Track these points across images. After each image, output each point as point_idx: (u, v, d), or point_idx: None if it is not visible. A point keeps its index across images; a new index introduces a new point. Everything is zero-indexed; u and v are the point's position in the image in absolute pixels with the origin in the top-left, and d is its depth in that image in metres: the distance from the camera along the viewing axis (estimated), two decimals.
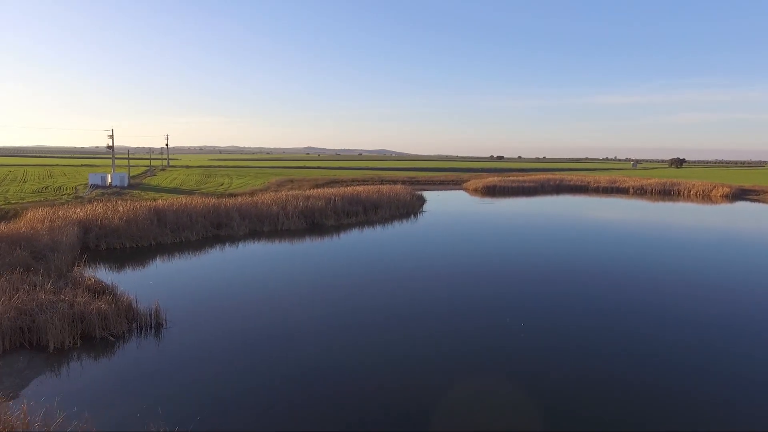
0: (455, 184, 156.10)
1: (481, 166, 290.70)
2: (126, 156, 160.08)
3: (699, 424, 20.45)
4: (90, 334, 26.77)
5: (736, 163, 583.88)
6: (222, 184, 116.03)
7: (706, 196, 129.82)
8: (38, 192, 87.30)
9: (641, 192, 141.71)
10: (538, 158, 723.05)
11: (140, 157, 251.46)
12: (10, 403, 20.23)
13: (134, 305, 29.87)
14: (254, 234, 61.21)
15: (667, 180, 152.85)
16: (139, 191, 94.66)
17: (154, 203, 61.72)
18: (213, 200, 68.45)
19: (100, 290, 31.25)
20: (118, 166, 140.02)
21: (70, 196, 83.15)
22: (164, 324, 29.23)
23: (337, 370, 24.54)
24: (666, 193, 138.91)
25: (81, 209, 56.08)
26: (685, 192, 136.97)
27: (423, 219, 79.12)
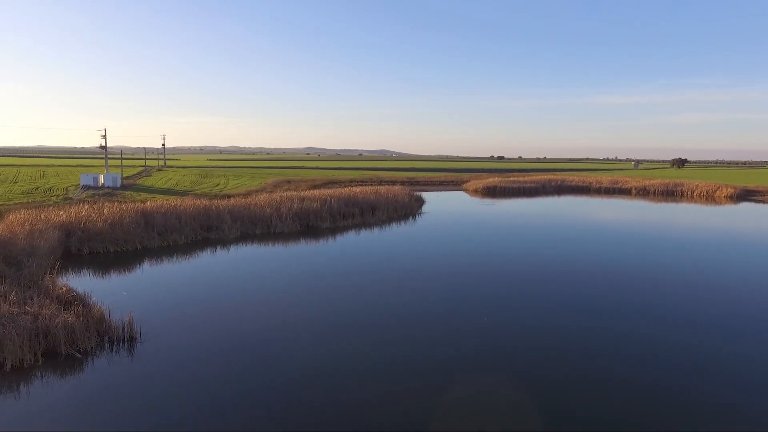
0: (455, 185, 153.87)
1: (481, 166, 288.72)
2: (119, 156, 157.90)
3: (699, 424, 20.24)
4: (54, 350, 24.58)
5: (737, 163, 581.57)
6: (217, 185, 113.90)
7: (710, 197, 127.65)
8: (27, 193, 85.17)
9: (644, 193, 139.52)
10: (539, 158, 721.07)
11: (135, 157, 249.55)
12: None
13: (107, 317, 27.69)
14: (246, 237, 59.03)
15: (670, 181, 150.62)
16: (132, 192, 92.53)
17: (141, 205, 59.54)
18: (204, 202, 66.28)
19: (71, 300, 29.02)
20: (113, 166, 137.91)
21: (59, 198, 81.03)
22: (138, 337, 27.01)
23: (332, 378, 22.63)
24: (669, 193, 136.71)
25: (64, 211, 53.87)
26: (689, 193, 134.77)
27: (421, 221, 76.92)
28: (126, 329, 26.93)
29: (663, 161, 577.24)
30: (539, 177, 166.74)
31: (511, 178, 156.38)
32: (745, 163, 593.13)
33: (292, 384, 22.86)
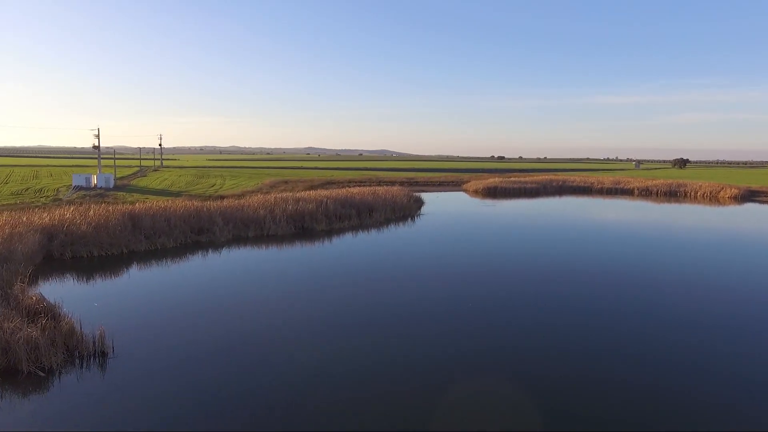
0: (455, 185, 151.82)
1: (481, 166, 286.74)
2: (112, 156, 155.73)
3: (699, 424, 20.07)
4: (15, 367, 22.57)
5: (738, 163, 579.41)
6: (213, 186, 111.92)
7: (713, 198, 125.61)
8: (17, 194, 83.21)
9: (646, 193, 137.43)
10: (539, 158, 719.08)
11: (131, 157, 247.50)
12: None
13: (78, 329, 25.66)
14: (238, 240, 57.02)
15: (672, 181, 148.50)
16: (124, 193, 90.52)
17: (129, 207, 57.52)
18: (196, 203, 64.22)
19: (41, 311, 26.98)
20: (107, 166, 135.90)
21: (49, 199, 79.06)
22: (110, 352, 25.00)
23: (332, 379, 21.65)
24: (672, 194, 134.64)
25: (48, 213, 51.82)
26: (692, 193, 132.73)
27: (420, 222, 74.88)
28: (97, 343, 24.90)
29: (664, 161, 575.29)
30: (540, 177, 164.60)
31: (512, 179, 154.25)
32: (746, 163, 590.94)
33: (285, 396, 20.87)
